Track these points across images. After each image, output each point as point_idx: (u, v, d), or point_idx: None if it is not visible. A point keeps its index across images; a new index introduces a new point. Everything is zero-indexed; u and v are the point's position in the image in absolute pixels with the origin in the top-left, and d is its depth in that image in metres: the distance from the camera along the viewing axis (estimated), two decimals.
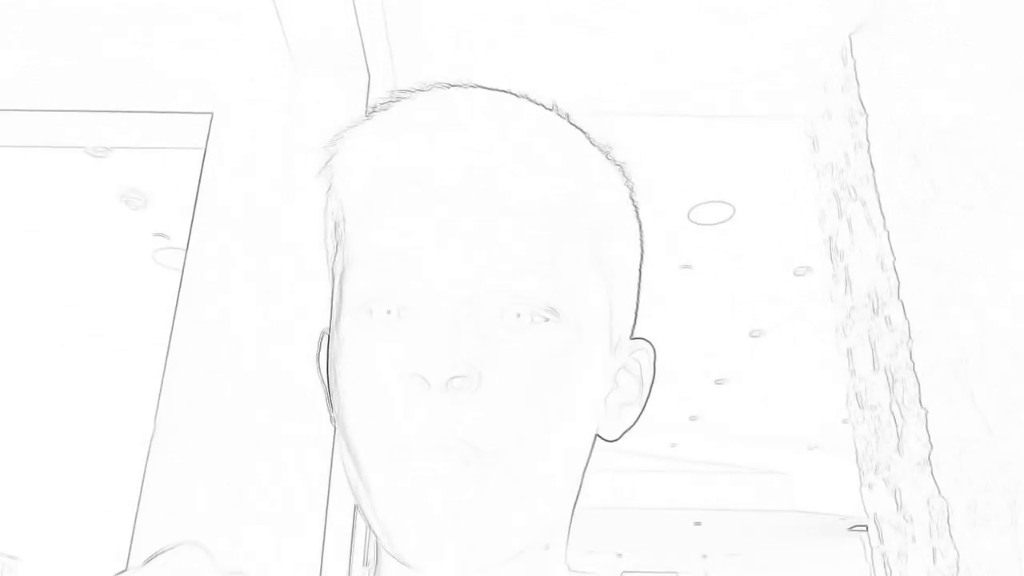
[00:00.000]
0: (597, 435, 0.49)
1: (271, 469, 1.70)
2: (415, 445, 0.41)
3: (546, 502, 0.44)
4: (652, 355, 0.52)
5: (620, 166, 0.52)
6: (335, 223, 0.50)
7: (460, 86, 0.50)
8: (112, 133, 2.45)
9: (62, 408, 4.66)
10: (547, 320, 0.43)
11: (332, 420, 0.51)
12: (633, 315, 0.53)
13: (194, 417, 1.81)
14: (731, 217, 3.23)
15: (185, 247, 2.02)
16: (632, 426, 0.51)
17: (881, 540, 2.05)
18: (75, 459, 5.02)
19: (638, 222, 0.54)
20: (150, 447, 1.80)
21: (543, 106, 0.50)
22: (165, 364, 1.88)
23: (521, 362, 0.43)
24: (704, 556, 9.93)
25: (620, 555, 9.90)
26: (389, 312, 0.44)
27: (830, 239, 2.37)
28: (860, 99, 2.14)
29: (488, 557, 0.42)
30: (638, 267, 0.54)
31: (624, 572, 10.19)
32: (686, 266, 3.67)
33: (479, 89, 0.49)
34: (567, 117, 0.50)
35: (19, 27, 2.17)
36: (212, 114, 2.18)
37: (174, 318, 1.93)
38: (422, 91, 0.49)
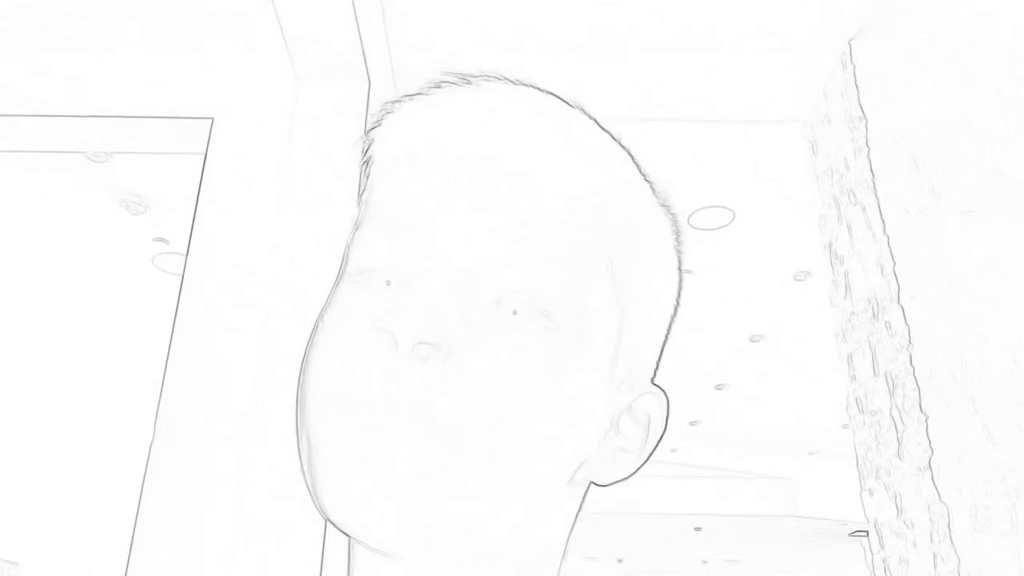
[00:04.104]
0: (590, 480, 0.46)
1: (271, 471, 1.70)
2: (367, 399, 0.40)
3: (516, 510, 0.42)
4: (665, 406, 0.48)
5: (652, 183, 0.50)
6: (365, 185, 0.49)
7: (509, 79, 0.50)
8: (112, 138, 2.46)
9: (62, 413, 4.66)
10: (543, 321, 0.42)
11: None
12: (654, 356, 0.49)
13: (194, 421, 1.81)
14: (731, 222, 3.23)
15: (185, 252, 2.03)
16: (627, 478, 0.47)
17: (882, 546, 2.04)
18: (75, 464, 5.01)
19: (677, 254, 0.51)
20: (150, 451, 1.80)
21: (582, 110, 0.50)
22: (165, 368, 1.88)
23: (502, 352, 0.41)
24: (704, 561, 9.91)
25: (620, 561, 9.88)
26: (389, 283, 0.43)
27: (830, 244, 2.37)
28: (860, 104, 2.15)
29: (430, 533, 0.40)
30: (673, 303, 0.50)
31: None
32: (686, 271, 3.66)
33: (525, 85, 0.50)
34: (596, 121, 0.50)
35: (19, 31, 2.17)
36: (212, 119, 2.19)
37: (174, 323, 1.94)
38: (468, 80, 0.49)
